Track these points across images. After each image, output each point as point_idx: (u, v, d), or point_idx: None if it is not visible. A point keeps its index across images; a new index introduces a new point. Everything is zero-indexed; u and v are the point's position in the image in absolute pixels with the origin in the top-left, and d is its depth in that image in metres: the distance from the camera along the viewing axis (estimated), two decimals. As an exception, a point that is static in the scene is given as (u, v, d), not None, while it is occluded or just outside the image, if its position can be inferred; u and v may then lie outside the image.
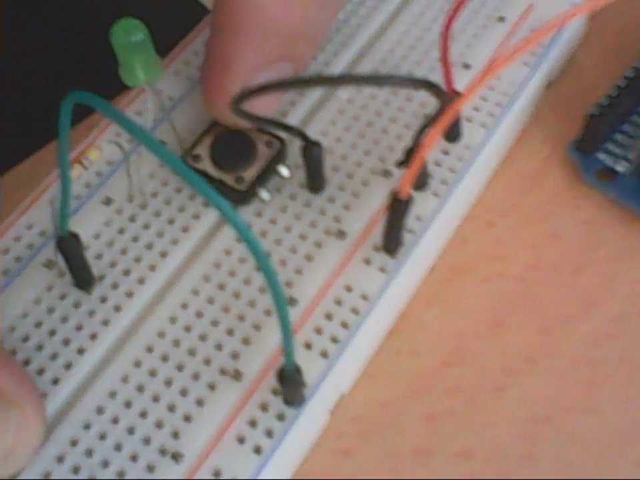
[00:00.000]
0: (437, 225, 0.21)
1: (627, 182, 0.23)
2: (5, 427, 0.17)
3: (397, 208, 0.20)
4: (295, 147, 0.22)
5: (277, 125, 0.20)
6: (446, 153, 0.22)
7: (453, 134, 0.22)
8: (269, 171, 0.21)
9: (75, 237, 0.19)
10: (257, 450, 0.18)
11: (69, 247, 0.19)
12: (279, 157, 0.22)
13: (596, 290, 0.22)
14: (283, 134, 0.22)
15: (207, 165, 0.21)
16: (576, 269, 0.22)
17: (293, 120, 0.23)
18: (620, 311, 0.22)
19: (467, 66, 0.24)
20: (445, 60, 0.21)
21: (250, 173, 0.21)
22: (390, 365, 0.21)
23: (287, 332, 0.16)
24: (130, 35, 0.19)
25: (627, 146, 0.24)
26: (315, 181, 0.21)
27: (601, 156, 0.23)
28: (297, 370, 0.18)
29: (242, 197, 0.21)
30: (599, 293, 0.22)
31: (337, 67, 0.24)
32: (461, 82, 0.23)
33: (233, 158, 0.21)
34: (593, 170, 0.23)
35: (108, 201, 0.22)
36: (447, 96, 0.18)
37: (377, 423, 0.20)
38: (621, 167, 0.23)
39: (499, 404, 0.21)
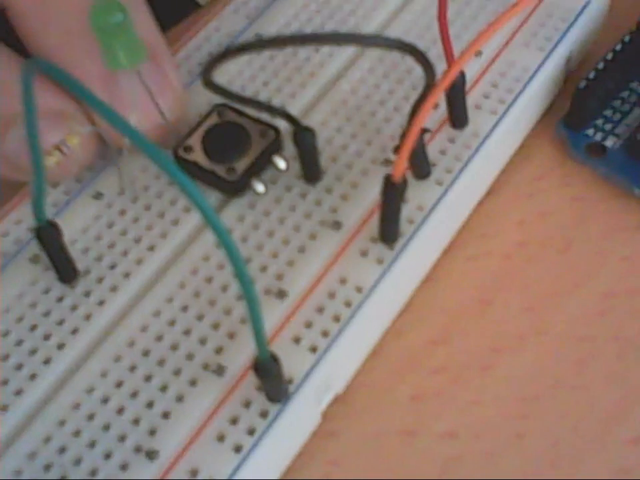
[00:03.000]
0: (439, 215, 0.20)
1: (616, 157, 0.22)
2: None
3: (391, 192, 0.18)
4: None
5: (259, 105, 0.19)
6: (452, 140, 0.21)
7: (459, 121, 0.21)
8: (262, 162, 0.21)
9: (53, 226, 0.19)
10: (237, 448, 0.17)
11: (47, 236, 0.19)
12: (273, 147, 0.21)
13: (585, 267, 0.21)
14: (280, 123, 0.21)
15: (198, 156, 0.21)
16: (565, 246, 0.22)
17: (292, 111, 0.22)
18: (610, 288, 0.21)
19: (477, 52, 0.23)
20: (443, 33, 0.19)
21: (242, 164, 0.20)
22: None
23: (256, 317, 0.15)
24: (109, 16, 0.18)
25: (616, 121, 0.23)
26: (310, 170, 0.20)
27: (590, 132, 0.23)
28: (274, 360, 0.16)
29: (233, 187, 0.20)
30: (589, 270, 0.21)
31: (339, 59, 0.23)
32: (472, 69, 0.22)
33: (225, 148, 0.20)
34: (581, 146, 0.23)
35: (98, 195, 0.21)
36: (428, 61, 0.16)
37: (361, 403, 0.20)
38: (610, 143, 0.22)
39: (486, 383, 0.20)
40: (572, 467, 0.19)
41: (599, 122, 0.23)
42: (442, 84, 0.17)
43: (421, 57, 0.16)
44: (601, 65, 0.23)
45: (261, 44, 0.15)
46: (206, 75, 0.16)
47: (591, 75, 0.23)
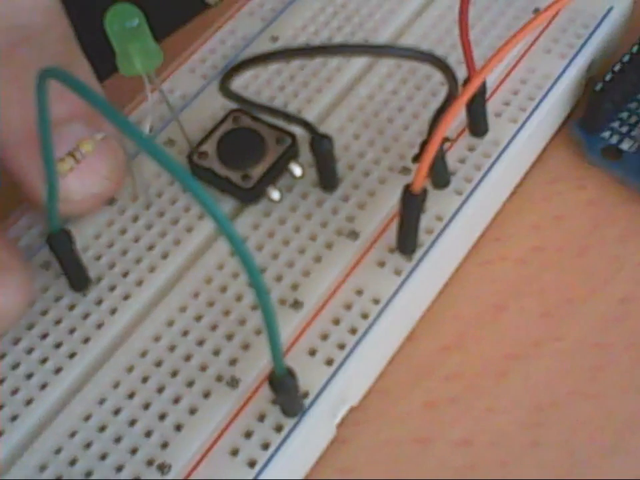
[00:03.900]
0: (458, 225, 0.20)
1: (632, 161, 0.22)
2: None
3: (410, 203, 0.18)
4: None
5: (276, 112, 0.19)
6: (471, 149, 0.21)
7: (479, 128, 0.21)
8: (278, 169, 0.20)
9: (66, 233, 0.18)
10: (251, 463, 0.17)
11: (59, 244, 0.18)
12: (289, 153, 0.20)
13: (602, 272, 0.21)
14: (296, 130, 0.20)
15: (213, 163, 0.20)
16: (581, 251, 0.21)
17: (309, 116, 0.22)
18: (626, 293, 0.21)
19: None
20: (464, 40, 0.19)
21: (257, 170, 0.20)
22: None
23: (273, 332, 0.15)
24: (125, 21, 0.18)
25: (633, 124, 0.22)
26: (326, 178, 0.20)
27: (606, 134, 0.22)
28: (290, 374, 0.16)
29: (248, 195, 0.20)
30: (605, 275, 0.21)
31: (356, 64, 0.23)
32: (492, 76, 0.22)
33: (240, 155, 0.20)
34: (597, 149, 0.22)
35: (111, 201, 0.21)
36: (452, 72, 0.16)
37: (375, 410, 0.19)
38: (626, 146, 0.22)
39: (501, 390, 0.20)
40: (587, 476, 0.18)
41: (615, 124, 0.23)
42: (464, 96, 0.17)
43: (443, 67, 0.16)
44: (617, 67, 0.22)
45: (275, 56, 0.15)
46: (224, 84, 0.16)
47: (607, 77, 0.22)
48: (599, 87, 0.22)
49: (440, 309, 0.21)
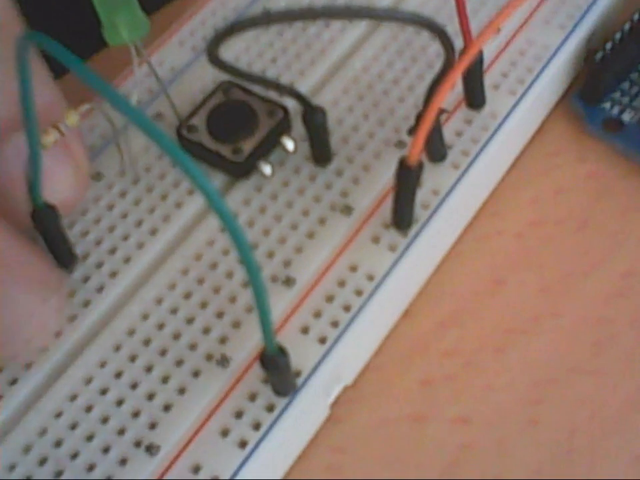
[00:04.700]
0: (455, 200, 0.19)
1: (633, 132, 0.21)
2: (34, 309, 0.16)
3: (406, 176, 0.17)
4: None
5: (268, 83, 0.18)
6: (468, 122, 0.20)
7: (475, 100, 0.20)
8: (270, 143, 0.20)
9: (50, 208, 0.18)
10: (242, 444, 0.16)
11: (44, 220, 0.18)
12: (281, 127, 0.20)
13: (602, 246, 0.20)
14: (288, 102, 0.20)
15: (202, 136, 0.20)
16: (581, 225, 0.21)
17: (302, 89, 0.21)
18: (628, 268, 0.20)
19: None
20: (460, 7, 0.18)
21: (249, 144, 0.19)
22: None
23: (264, 309, 0.14)
24: (110, -11, 0.17)
25: (634, 94, 0.22)
26: (320, 152, 0.20)
27: (607, 105, 0.22)
28: (282, 352, 0.16)
29: (239, 169, 0.19)
30: (606, 249, 0.20)
31: (350, 36, 0.22)
32: (490, 47, 0.21)
33: (231, 128, 0.20)
34: (598, 120, 0.22)
35: (98, 176, 0.20)
36: (449, 39, 0.15)
37: (370, 388, 0.19)
38: (627, 117, 0.22)
39: (499, 366, 0.19)
40: (588, 454, 0.18)
41: (616, 95, 0.22)
42: (461, 64, 0.16)
43: (440, 33, 0.15)
44: (618, 36, 0.22)
45: (269, 18, 0.14)
46: (211, 51, 0.15)
47: (608, 46, 0.22)
48: (599, 55, 0.21)
49: (436, 284, 0.20)
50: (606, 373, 0.19)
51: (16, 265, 0.16)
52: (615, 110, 0.22)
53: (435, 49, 0.21)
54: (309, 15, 0.14)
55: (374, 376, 0.19)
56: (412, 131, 0.19)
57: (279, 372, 0.16)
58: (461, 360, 0.19)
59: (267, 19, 0.14)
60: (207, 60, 0.16)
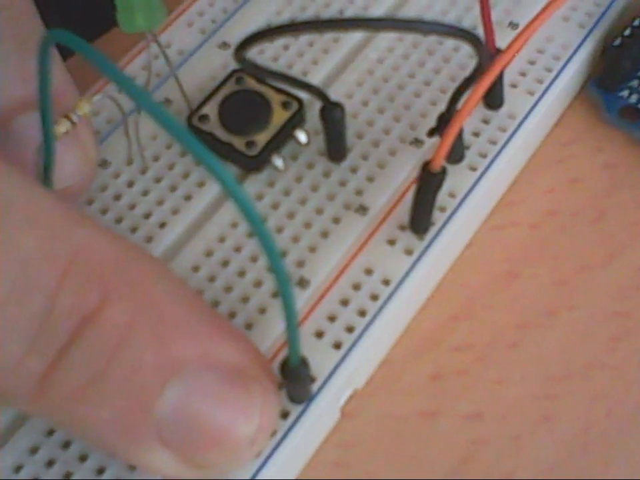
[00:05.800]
0: (472, 203, 0.19)
1: None
2: (250, 408, 0.14)
3: (428, 182, 0.17)
4: (315, 109, 0.19)
5: (289, 80, 0.17)
6: (486, 121, 0.20)
7: (494, 100, 0.20)
8: (284, 136, 0.19)
9: (59, 200, 0.17)
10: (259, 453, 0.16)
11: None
12: (296, 120, 0.19)
13: (619, 237, 0.20)
14: (302, 94, 0.19)
15: (214, 127, 0.19)
16: (597, 216, 0.20)
17: (314, 79, 0.20)
18: None
19: (513, 25, 0.21)
20: (485, 14, 0.18)
21: (262, 137, 0.19)
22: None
23: (292, 319, 0.14)
24: (128, -27, 0.17)
25: None
26: (335, 148, 0.19)
27: (624, 93, 0.21)
28: (304, 363, 0.15)
29: (252, 163, 0.19)
30: (623, 240, 0.20)
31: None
32: (507, 43, 0.21)
33: (244, 120, 0.19)
34: (615, 108, 0.21)
35: (104, 164, 0.19)
36: (486, 50, 0.15)
37: (380, 383, 0.18)
38: None
39: (513, 361, 0.19)
40: (604, 451, 0.17)
41: (634, 83, 0.21)
42: (495, 69, 0.16)
43: (474, 40, 0.15)
44: (636, 23, 0.21)
45: (299, 27, 0.14)
46: (239, 54, 0.15)
47: (627, 32, 0.21)
48: (617, 42, 0.21)
49: (449, 277, 0.20)
50: (622, 368, 0.18)
51: None
52: (633, 98, 0.21)
53: (451, 43, 0.21)
54: (343, 25, 0.14)
55: (384, 371, 0.19)
56: (432, 132, 0.18)
57: (298, 383, 0.15)
58: (473, 354, 0.19)
59: (296, 27, 0.14)
60: (235, 60, 0.15)
